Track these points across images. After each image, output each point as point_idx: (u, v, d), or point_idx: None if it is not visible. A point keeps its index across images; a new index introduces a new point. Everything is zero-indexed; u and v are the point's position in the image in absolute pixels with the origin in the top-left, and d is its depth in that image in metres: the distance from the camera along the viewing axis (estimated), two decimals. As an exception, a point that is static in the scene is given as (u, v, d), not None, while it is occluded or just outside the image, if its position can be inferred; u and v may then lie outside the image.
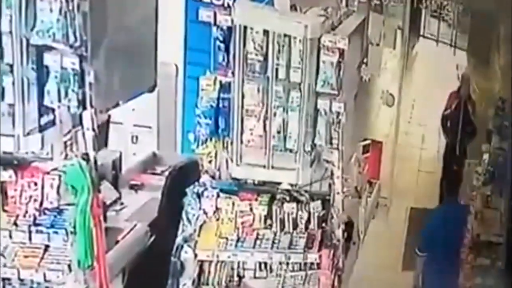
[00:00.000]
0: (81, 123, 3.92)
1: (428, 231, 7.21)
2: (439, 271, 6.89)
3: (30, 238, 4.13)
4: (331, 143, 5.15)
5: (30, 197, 4.08)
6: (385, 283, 8.47)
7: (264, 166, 5.15)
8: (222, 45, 4.99)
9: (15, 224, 4.12)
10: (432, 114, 10.07)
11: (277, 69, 5.00)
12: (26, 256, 4.15)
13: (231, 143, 5.14)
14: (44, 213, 4.12)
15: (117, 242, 5.24)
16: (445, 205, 7.69)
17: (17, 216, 4.12)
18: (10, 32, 3.65)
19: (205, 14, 4.93)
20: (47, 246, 4.16)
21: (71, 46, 3.69)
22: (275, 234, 5.19)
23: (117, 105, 4.15)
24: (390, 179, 9.44)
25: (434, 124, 10.72)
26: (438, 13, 12.87)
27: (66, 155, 4.00)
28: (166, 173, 6.23)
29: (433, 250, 6.96)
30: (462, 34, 12.54)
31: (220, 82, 5.06)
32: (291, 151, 5.13)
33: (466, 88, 10.16)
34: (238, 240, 5.16)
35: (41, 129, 3.83)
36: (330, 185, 5.33)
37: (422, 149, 11.38)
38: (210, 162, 5.31)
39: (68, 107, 3.82)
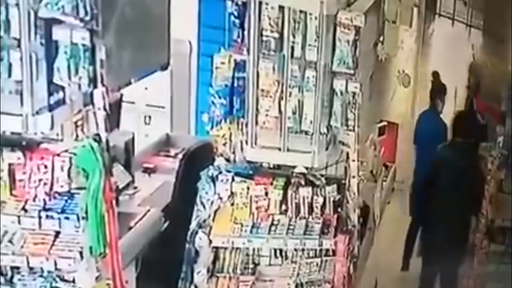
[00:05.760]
0: (92, 102, 3.72)
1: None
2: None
3: (40, 224, 3.93)
4: (347, 125, 4.98)
5: (40, 180, 3.88)
6: (400, 269, 8.35)
7: (279, 149, 4.98)
8: (237, 21, 4.84)
9: (24, 209, 3.91)
10: (448, 95, 9.84)
11: (292, 47, 4.82)
12: (35, 243, 3.95)
13: (246, 124, 4.98)
14: (55, 198, 3.92)
15: (130, 228, 5.07)
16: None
17: (26, 200, 3.91)
18: (17, 5, 3.43)
19: (219, -12, 4.79)
20: (57, 233, 3.95)
21: (81, 20, 3.47)
22: (290, 219, 5.04)
23: (129, 83, 3.97)
24: (406, 163, 9.26)
25: (450, 105, 10.51)
26: (454, -9, 12.76)
27: (77, 136, 3.82)
28: (180, 155, 6.05)
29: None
30: (477, 13, 12.43)
31: (235, 60, 4.91)
32: (306, 133, 4.96)
33: (474, 80, 9.51)
34: (253, 226, 5.01)
35: (51, 108, 3.60)
36: (345, 169, 5.16)
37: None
38: (224, 144, 5.16)
39: (79, 85, 3.60)
